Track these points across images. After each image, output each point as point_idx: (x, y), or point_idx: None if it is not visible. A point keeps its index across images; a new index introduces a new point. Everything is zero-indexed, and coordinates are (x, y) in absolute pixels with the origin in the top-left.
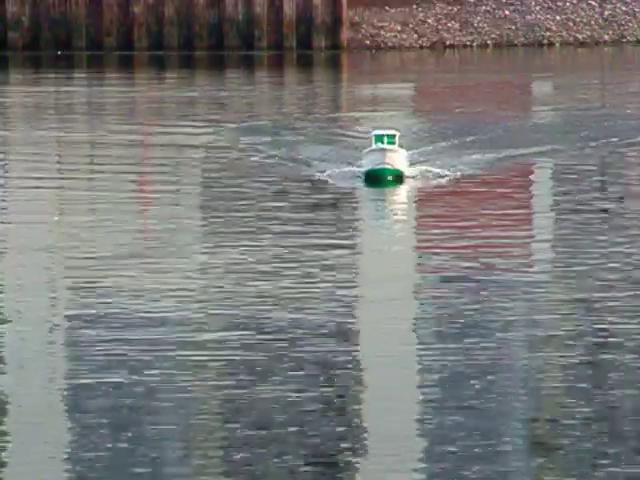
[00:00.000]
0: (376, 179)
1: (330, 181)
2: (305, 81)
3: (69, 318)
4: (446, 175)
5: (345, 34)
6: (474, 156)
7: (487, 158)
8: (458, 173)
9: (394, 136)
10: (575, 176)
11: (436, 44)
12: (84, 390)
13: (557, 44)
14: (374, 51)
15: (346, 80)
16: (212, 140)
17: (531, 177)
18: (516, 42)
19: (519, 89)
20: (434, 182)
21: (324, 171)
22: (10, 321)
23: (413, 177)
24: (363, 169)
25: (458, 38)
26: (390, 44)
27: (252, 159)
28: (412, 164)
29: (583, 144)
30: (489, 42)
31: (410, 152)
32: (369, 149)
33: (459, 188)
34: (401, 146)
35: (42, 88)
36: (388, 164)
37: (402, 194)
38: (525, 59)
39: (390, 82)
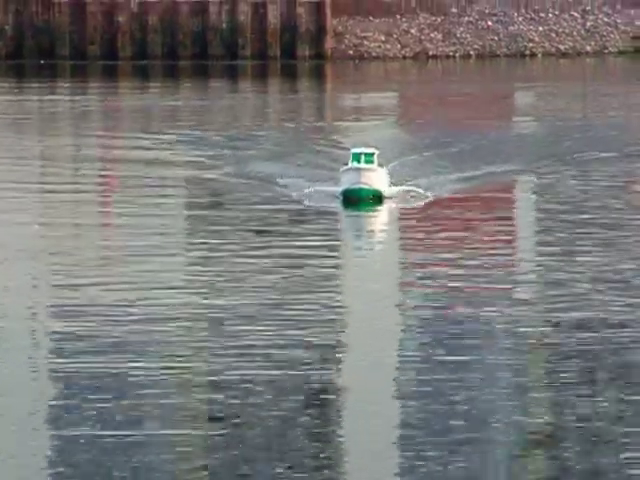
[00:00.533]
0: (352, 199)
1: (305, 201)
2: (288, 91)
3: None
4: (429, 196)
5: (329, 43)
6: (455, 173)
7: (469, 173)
8: (442, 193)
9: (372, 154)
10: (557, 190)
11: (419, 54)
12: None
13: (539, 55)
14: (357, 61)
15: (329, 90)
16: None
17: (513, 195)
18: (499, 52)
19: (501, 99)
20: (415, 203)
21: (299, 191)
22: None
23: (393, 198)
24: (339, 189)
25: (441, 48)
26: (374, 54)
27: (214, 176)
28: (394, 184)
29: (565, 155)
30: (472, 52)
31: (391, 164)
32: (345, 168)
33: (441, 209)
34: (381, 165)
35: (25, 97)
36: (365, 184)
37: (379, 216)
38: (507, 69)
39: (373, 92)
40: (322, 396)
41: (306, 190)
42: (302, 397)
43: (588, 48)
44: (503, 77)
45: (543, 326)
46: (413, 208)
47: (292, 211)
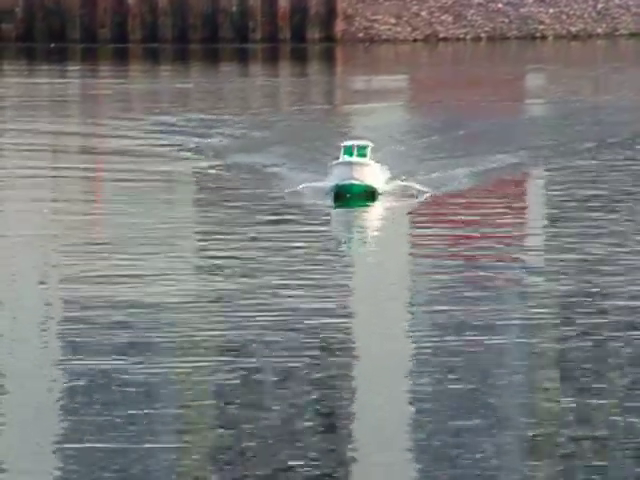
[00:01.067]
0: (343, 196)
1: (293, 198)
2: (299, 74)
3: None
4: (427, 192)
5: (339, 26)
6: (461, 160)
7: (476, 161)
8: (440, 190)
9: (365, 147)
10: (569, 179)
11: (429, 37)
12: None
13: (550, 37)
14: (368, 44)
15: (339, 73)
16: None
17: (523, 189)
18: (509, 35)
19: (512, 82)
20: (412, 200)
21: (288, 187)
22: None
23: (388, 194)
24: (329, 184)
25: (451, 31)
26: (384, 37)
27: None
28: (390, 179)
29: (577, 139)
30: (482, 35)
31: (398, 148)
32: (336, 162)
33: (440, 207)
34: (377, 162)
35: (35, 80)
36: (356, 179)
37: (371, 214)
38: (518, 52)
39: (384, 75)
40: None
41: (294, 187)
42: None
43: (599, 30)
44: (514, 60)
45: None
46: (409, 205)
47: (276, 208)
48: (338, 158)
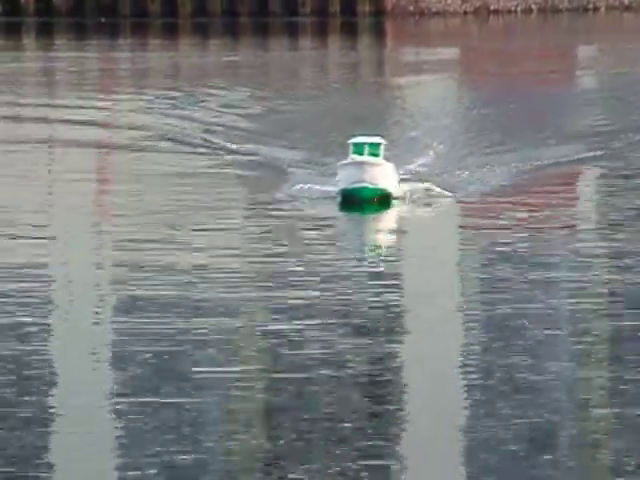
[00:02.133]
0: (352, 201)
1: (297, 202)
2: (349, 48)
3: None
4: (449, 195)
5: (389, 0)
6: (503, 148)
7: (518, 150)
8: (465, 192)
9: (378, 145)
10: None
11: (480, 9)
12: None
13: (602, 8)
14: (418, 17)
15: (390, 46)
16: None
17: (571, 190)
18: (561, 7)
19: (564, 54)
20: (432, 206)
21: (291, 188)
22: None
23: (404, 199)
24: (336, 188)
25: (502, 3)
26: (434, 10)
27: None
28: (409, 179)
29: (630, 112)
30: (533, 7)
31: (443, 123)
32: (344, 162)
33: (465, 214)
34: (389, 161)
35: (85, 54)
36: (367, 182)
37: (385, 222)
38: (570, 24)
39: (433, 48)
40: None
41: (298, 187)
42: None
43: None
44: (565, 31)
45: None
46: (430, 211)
47: (279, 216)
48: (347, 157)
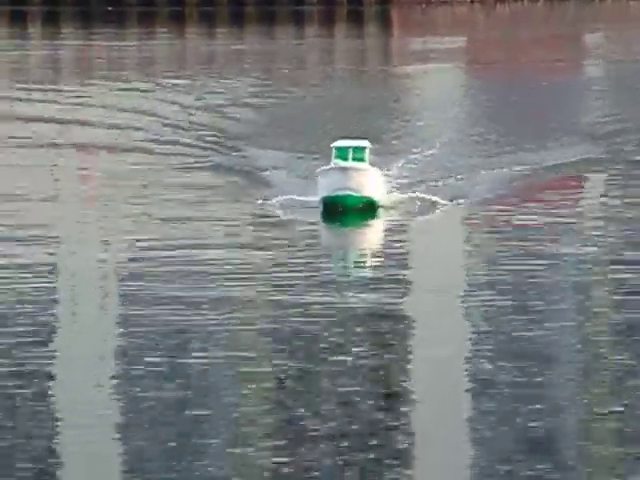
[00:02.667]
0: (335, 210)
1: (276, 212)
2: (355, 36)
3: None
4: (440, 203)
5: None
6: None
7: (521, 147)
8: (457, 201)
9: (364, 149)
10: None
11: None
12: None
13: None
14: (424, 5)
15: (396, 35)
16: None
17: (573, 194)
18: None
19: (570, 42)
20: (421, 215)
21: (271, 199)
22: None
23: (391, 207)
24: (317, 196)
25: None
26: None
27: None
28: (397, 188)
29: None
30: None
31: (448, 113)
32: (326, 168)
33: (455, 223)
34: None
35: (92, 42)
36: (351, 189)
37: (371, 232)
38: (576, 12)
39: (440, 36)
40: None
41: (277, 199)
42: None
43: None
44: (572, 20)
45: None
46: (418, 220)
47: (260, 225)
48: (329, 162)
